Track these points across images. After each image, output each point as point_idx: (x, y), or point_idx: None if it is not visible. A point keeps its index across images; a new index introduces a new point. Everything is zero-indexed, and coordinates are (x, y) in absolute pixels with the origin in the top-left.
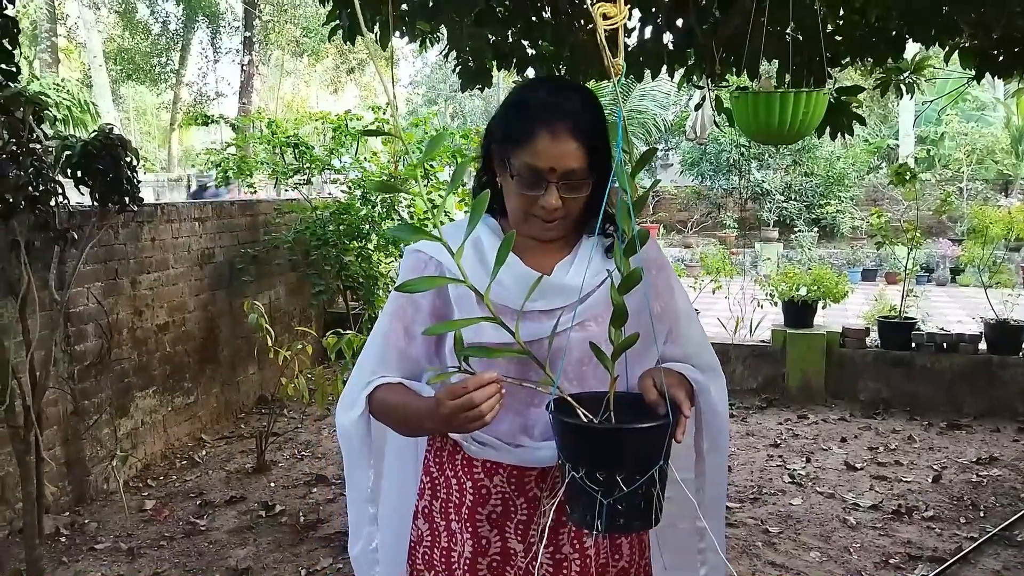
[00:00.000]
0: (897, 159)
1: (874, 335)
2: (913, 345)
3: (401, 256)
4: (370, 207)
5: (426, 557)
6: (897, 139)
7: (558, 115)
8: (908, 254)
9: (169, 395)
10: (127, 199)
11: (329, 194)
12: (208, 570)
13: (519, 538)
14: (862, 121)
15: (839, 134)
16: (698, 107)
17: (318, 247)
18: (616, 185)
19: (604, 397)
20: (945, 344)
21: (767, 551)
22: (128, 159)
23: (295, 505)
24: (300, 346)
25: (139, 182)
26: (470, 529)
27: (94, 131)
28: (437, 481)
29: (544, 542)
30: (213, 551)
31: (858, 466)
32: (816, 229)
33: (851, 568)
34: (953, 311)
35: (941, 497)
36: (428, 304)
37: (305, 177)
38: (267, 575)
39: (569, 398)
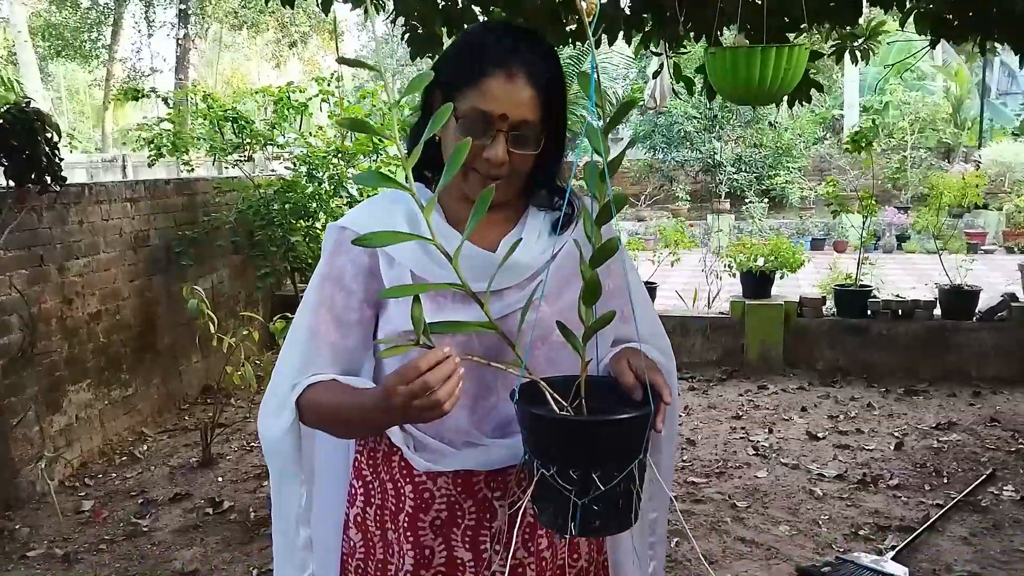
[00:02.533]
0: (842, 129)
1: (830, 304)
2: (869, 313)
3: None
4: (317, 184)
5: (360, 571)
6: (842, 109)
7: (516, 58)
8: (864, 222)
9: (105, 388)
10: (48, 178)
11: (273, 171)
12: (152, 574)
13: (467, 546)
14: (820, 88)
15: (797, 101)
16: (656, 75)
17: (262, 227)
18: (570, 159)
19: (572, 383)
20: (900, 311)
21: (736, 527)
22: (48, 135)
23: (245, 500)
24: (246, 332)
25: (61, 160)
26: (411, 539)
27: (7, 105)
28: (371, 486)
29: (499, 549)
30: (157, 553)
31: (820, 435)
32: (766, 200)
33: (821, 541)
34: (901, 278)
35: (904, 464)
36: (361, 288)
37: (246, 154)
38: None
39: (543, 384)
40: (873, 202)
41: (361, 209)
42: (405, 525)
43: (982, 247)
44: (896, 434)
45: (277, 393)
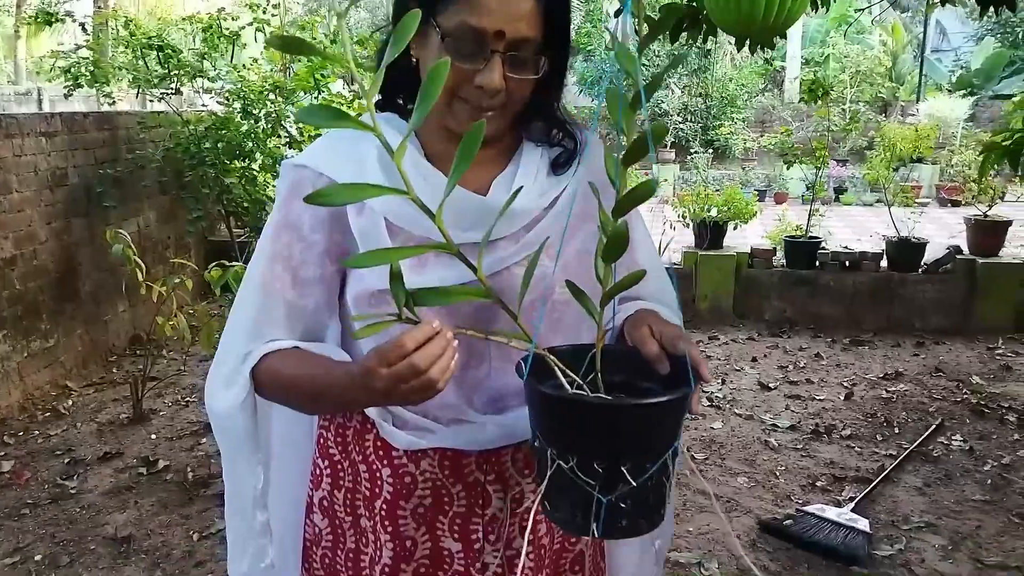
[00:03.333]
0: (783, 81)
1: (779, 255)
2: (817, 264)
3: None
4: (252, 122)
5: (327, 561)
6: (784, 61)
7: None
8: (817, 172)
9: (23, 339)
10: None
11: (204, 106)
12: (81, 540)
13: (456, 535)
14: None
15: (760, 47)
16: (618, 13)
17: (193, 167)
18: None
19: (583, 353)
20: (848, 262)
21: (695, 479)
22: None
23: (181, 459)
24: (178, 280)
25: None
26: (389, 528)
27: None
28: (340, 466)
29: (493, 539)
30: (87, 518)
31: (772, 386)
32: (710, 151)
33: (780, 493)
34: (840, 230)
35: (855, 415)
36: (323, 239)
37: (173, 86)
38: (152, 542)
39: (553, 360)
40: (827, 152)
41: (323, 144)
42: (383, 513)
43: (916, 200)
44: (845, 384)
45: (227, 361)
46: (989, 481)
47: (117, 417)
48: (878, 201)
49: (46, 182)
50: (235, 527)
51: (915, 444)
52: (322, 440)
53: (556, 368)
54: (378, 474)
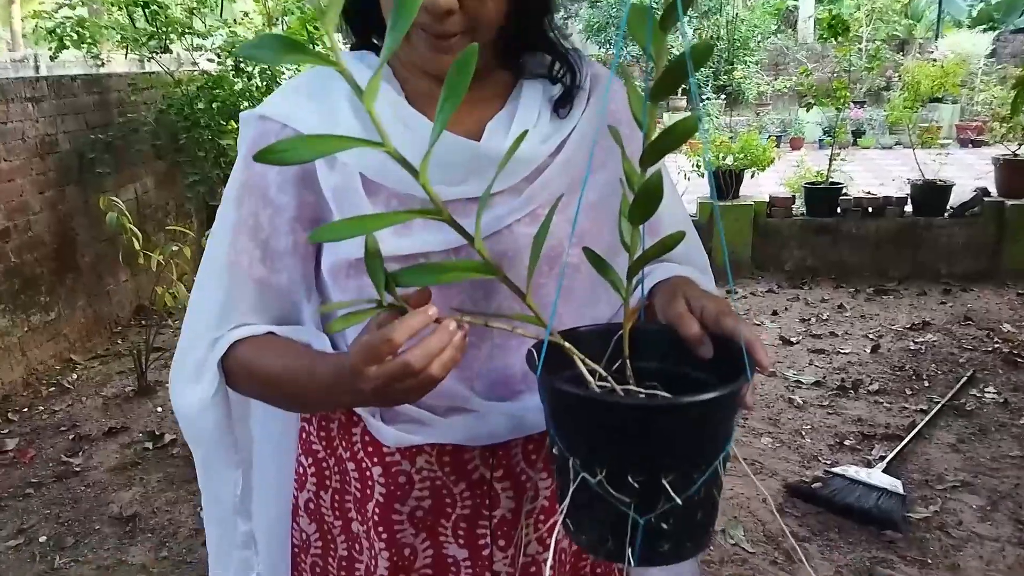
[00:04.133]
0: (797, 21)
1: (799, 202)
2: (839, 211)
3: None
4: (246, 79)
5: (317, 569)
6: (796, 0)
7: None
8: (838, 114)
9: (23, 313)
10: None
11: (195, 64)
12: (87, 520)
13: (460, 541)
14: None
15: None
16: None
17: (188, 129)
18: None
19: (605, 335)
20: (871, 208)
21: None
22: None
23: None
24: (176, 248)
25: None
26: (384, 535)
27: None
28: (325, 464)
29: (504, 544)
30: (92, 496)
31: (794, 340)
32: (723, 96)
33: (806, 453)
34: (860, 175)
35: (882, 368)
36: (292, 202)
37: (162, 44)
38: (159, 520)
39: (572, 349)
40: (847, 93)
41: (287, 90)
42: (376, 518)
43: (937, 141)
44: (871, 336)
45: (192, 351)
46: None
47: (122, 390)
48: (897, 143)
49: (35, 150)
50: (216, 538)
51: (947, 398)
52: (304, 435)
53: (576, 359)
54: (368, 473)
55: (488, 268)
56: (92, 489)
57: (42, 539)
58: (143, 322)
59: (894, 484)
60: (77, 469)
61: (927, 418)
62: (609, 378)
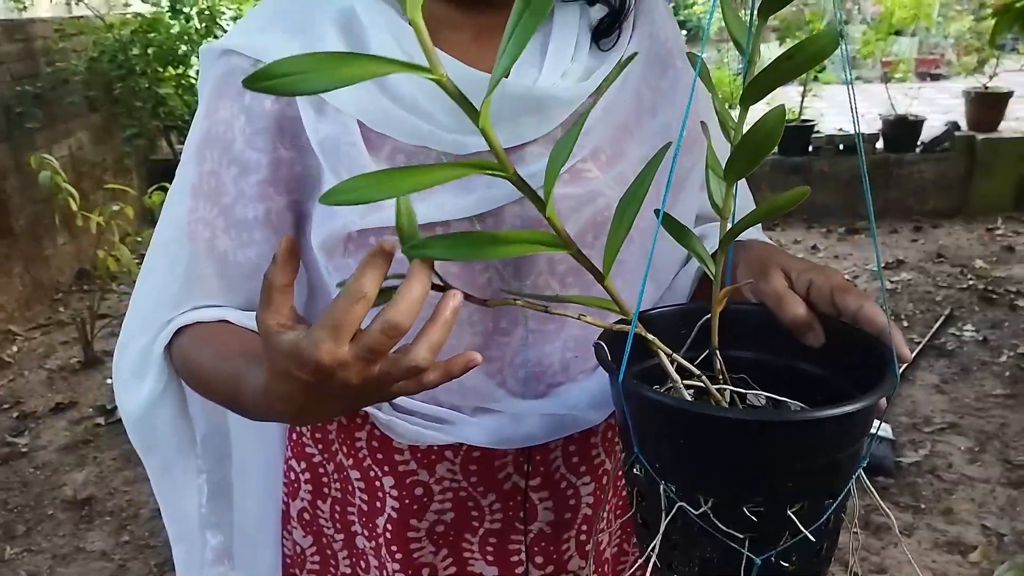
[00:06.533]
0: None
1: None
2: (811, 149)
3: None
4: (184, 21)
5: None
6: None
7: None
8: None
9: None
10: None
11: (127, 6)
12: (38, 505)
13: (489, 558)
14: None
15: None
16: None
17: (122, 78)
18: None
19: (686, 319)
20: (842, 146)
21: None
22: None
23: None
24: (117, 207)
25: None
26: (398, 554)
27: None
28: (322, 470)
29: (541, 560)
30: (42, 479)
31: None
32: (684, 32)
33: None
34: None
35: None
36: (265, 160)
37: None
38: (117, 501)
39: (657, 342)
40: (820, 25)
41: (256, 17)
42: (388, 535)
43: (895, 75)
44: (847, 276)
45: (134, 343)
46: (1008, 373)
47: (68, 362)
48: (857, 78)
49: None
50: (183, 556)
51: (927, 338)
52: (296, 435)
53: (662, 355)
54: (377, 484)
55: (559, 240)
56: (42, 471)
57: None
58: (85, 288)
59: (884, 429)
60: (24, 450)
61: (910, 359)
62: (704, 378)
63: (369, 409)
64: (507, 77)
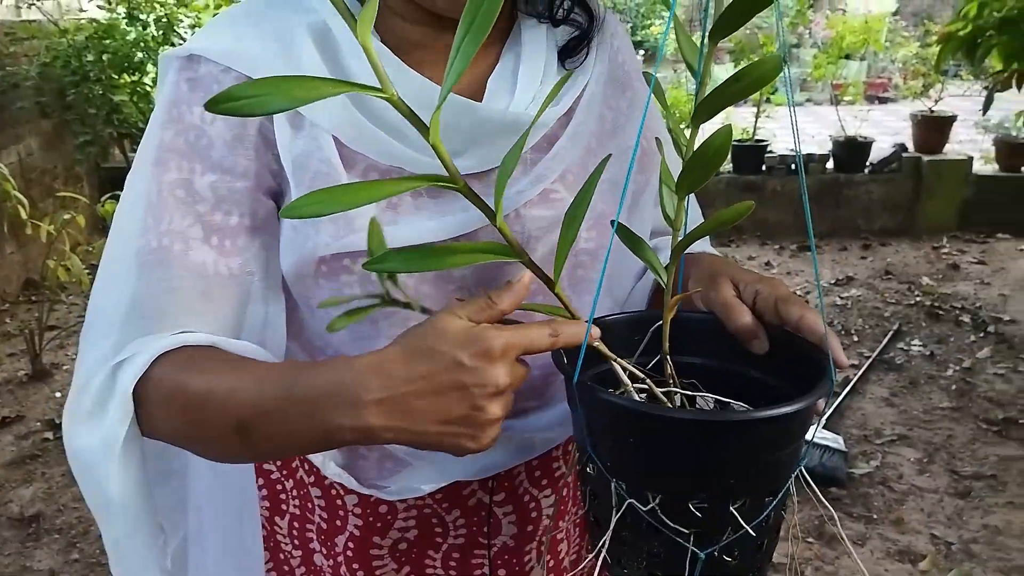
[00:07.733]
0: None
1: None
2: (764, 168)
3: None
4: (140, 28)
5: None
6: None
7: None
8: None
9: None
10: None
11: (82, 11)
12: None
13: (452, 572)
14: None
15: None
16: None
17: (76, 84)
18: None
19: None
20: (793, 165)
21: None
22: None
23: None
24: (68, 216)
25: None
26: (360, 572)
27: None
28: (280, 487)
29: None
30: None
31: None
32: (641, 52)
33: None
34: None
35: None
36: (253, 168)
37: None
38: (66, 518)
39: (603, 347)
40: (773, 48)
41: (224, 21)
42: (349, 553)
43: (845, 98)
44: (799, 292)
45: (92, 379)
46: (953, 387)
47: (15, 375)
48: (808, 100)
49: None
50: None
51: (876, 352)
52: None
53: (615, 363)
54: (340, 503)
55: (510, 249)
56: None
57: None
58: (33, 298)
59: (836, 440)
60: None
61: (860, 372)
62: (650, 381)
63: (317, 460)
64: (477, 100)
